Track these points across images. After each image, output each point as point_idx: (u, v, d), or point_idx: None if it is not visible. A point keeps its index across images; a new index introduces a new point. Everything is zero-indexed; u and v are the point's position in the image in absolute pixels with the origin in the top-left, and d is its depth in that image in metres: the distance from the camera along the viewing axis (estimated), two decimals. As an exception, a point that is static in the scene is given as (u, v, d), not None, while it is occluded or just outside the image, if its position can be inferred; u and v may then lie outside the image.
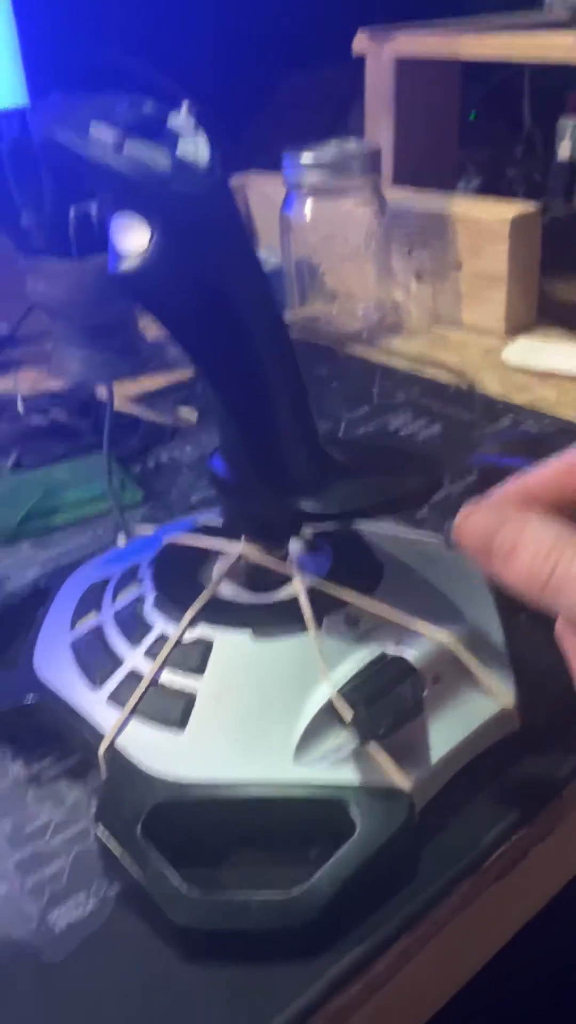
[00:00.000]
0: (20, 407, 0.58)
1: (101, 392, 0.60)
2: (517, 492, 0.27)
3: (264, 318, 0.29)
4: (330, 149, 0.70)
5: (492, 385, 0.63)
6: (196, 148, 0.30)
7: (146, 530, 0.43)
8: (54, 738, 0.34)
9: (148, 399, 0.63)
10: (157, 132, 0.30)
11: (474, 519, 0.25)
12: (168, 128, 0.31)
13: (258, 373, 0.29)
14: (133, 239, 0.29)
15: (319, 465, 0.31)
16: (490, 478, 0.49)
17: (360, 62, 0.83)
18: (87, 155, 0.29)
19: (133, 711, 0.31)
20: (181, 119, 0.31)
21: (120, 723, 0.30)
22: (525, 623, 0.38)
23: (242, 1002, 0.25)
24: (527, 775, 0.31)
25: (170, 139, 0.30)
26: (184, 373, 0.69)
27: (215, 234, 0.29)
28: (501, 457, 0.47)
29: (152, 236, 0.29)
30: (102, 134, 0.29)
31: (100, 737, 0.31)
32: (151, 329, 0.75)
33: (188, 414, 0.60)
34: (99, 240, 0.72)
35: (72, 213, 0.70)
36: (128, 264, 0.29)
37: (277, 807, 0.29)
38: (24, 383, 0.70)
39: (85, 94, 0.33)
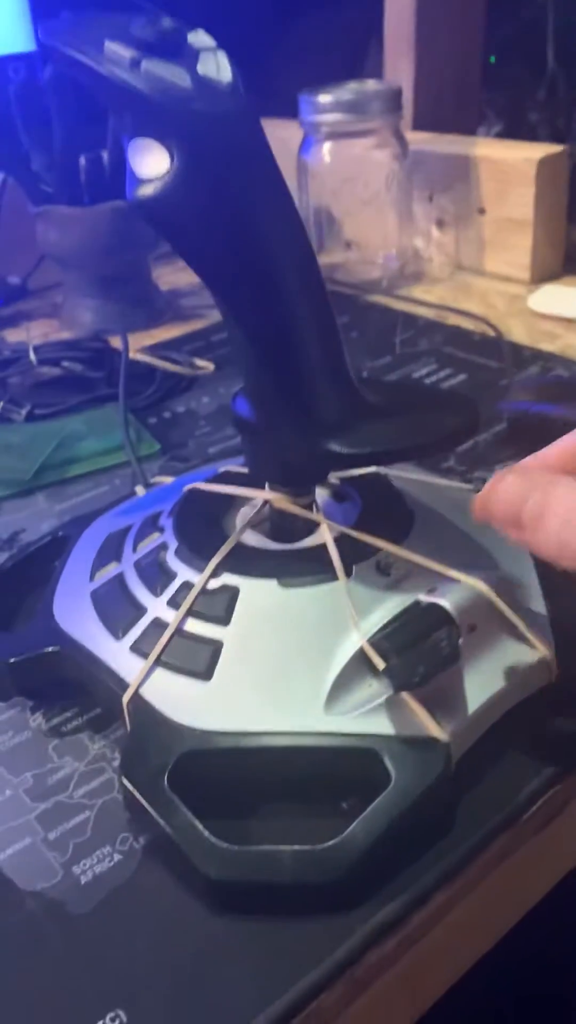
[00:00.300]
0: (33, 358, 0.56)
1: (115, 342, 0.58)
2: (539, 465, 0.26)
3: (291, 245, 0.27)
4: (348, 90, 0.67)
5: (518, 333, 0.61)
6: (217, 65, 0.28)
7: (165, 481, 0.42)
8: (76, 689, 0.33)
9: (163, 349, 0.61)
10: (176, 50, 0.28)
11: (501, 488, 0.24)
12: (188, 46, 0.29)
13: (285, 304, 0.28)
14: (152, 163, 0.27)
15: (350, 404, 0.29)
16: (520, 426, 0.47)
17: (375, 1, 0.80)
18: (103, 72, 0.27)
19: (158, 660, 0.30)
20: (201, 37, 0.29)
21: (145, 671, 0.29)
22: (561, 573, 0.37)
23: (275, 956, 0.24)
24: (565, 726, 0.30)
25: (189, 57, 0.28)
26: (199, 323, 0.68)
27: (239, 155, 0.27)
28: (532, 404, 0.45)
29: (172, 159, 0.27)
30: (118, 51, 0.27)
31: (124, 687, 0.30)
32: (165, 279, 0.74)
33: (204, 364, 0.59)
34: (111, 186, 0.69)
35: (83, 160, 0.68)
36: (147, 190, 0.27)
37: (308, 757, 0.28)
38: (36, 334, 0.68)
39: (97, 13, 0.31)
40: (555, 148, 0.67)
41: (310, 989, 0.23)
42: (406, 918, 0.25)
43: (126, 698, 0.29)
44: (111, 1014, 0.23)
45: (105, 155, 0.64)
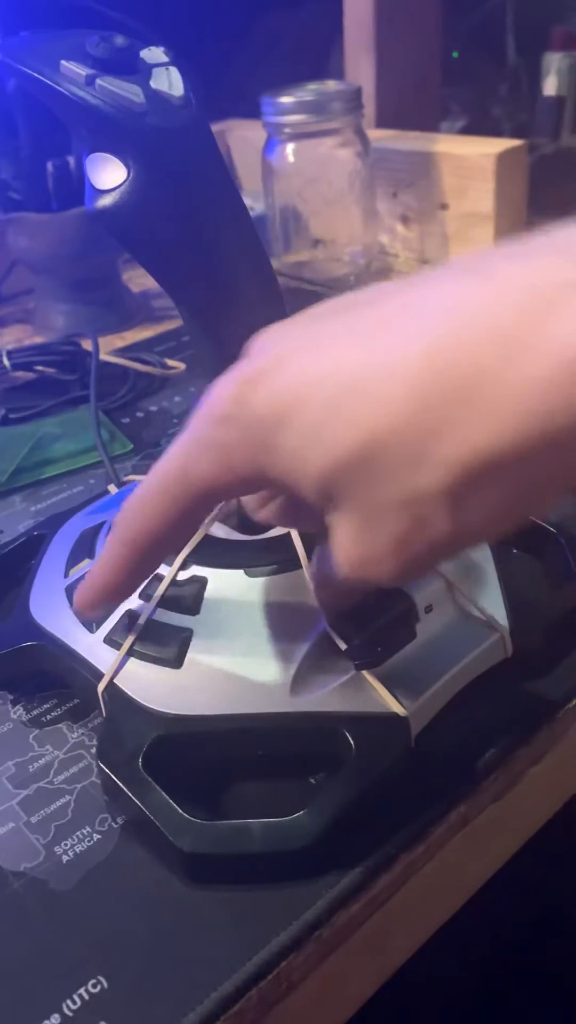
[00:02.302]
0: (6, 362, 0.57)
1: (88, 345, 0.59)
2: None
3: (244, 249, 0.29)
4: (309, 90, 0.69)
5: (481, 325, 0.62)
6: (169, 80, 0.30)
7: (137, 480, 0.43)
8: (54, 682, 0.34)
9: (135, 351, 0.62)
10: (129, 67, 0.30)
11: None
12: (141, 62, 0.30)
13: (241, 307, 0.29)
14: (109, 176, 0.29)
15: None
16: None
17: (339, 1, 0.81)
18: (60, 89, 0.28)
19: (131, 650, 0.31)
20: (153, 53, 0.31)
21: (118, 661, 0.31)
22: (516, 557, 0.38)
23: (247, 922, 0.26)
24: (521, 700, 0.32)
25: (143, 73, 0.30)
26: (170, 324, 0.69)
27: (192, 166, 0.28)
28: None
29: (128, 172, 0.28)
30: (73, 69, 0.28)
31: (99, 677, 0.31)
32: (136, 281, 0.75)
33: (176, 364, 0.60)
34: (78, 192, 0.70)
35: (50, 166, 0.69)
36: (105, 201, 0.29)
37: (275, 737, 0.29)
38: (9, 340, 0.69)
39: (55, 32, 0.32)
40: (514, 143, 0.68)
41: (280, 950, 0.25)
42: (371, 882, 0.27)
43: (101, 687, 0.31)
44: (92, 980, 0.24)
45: (72, 161, 0.65)
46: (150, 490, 0.24)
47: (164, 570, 0.32)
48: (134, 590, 0.27)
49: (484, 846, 0.31)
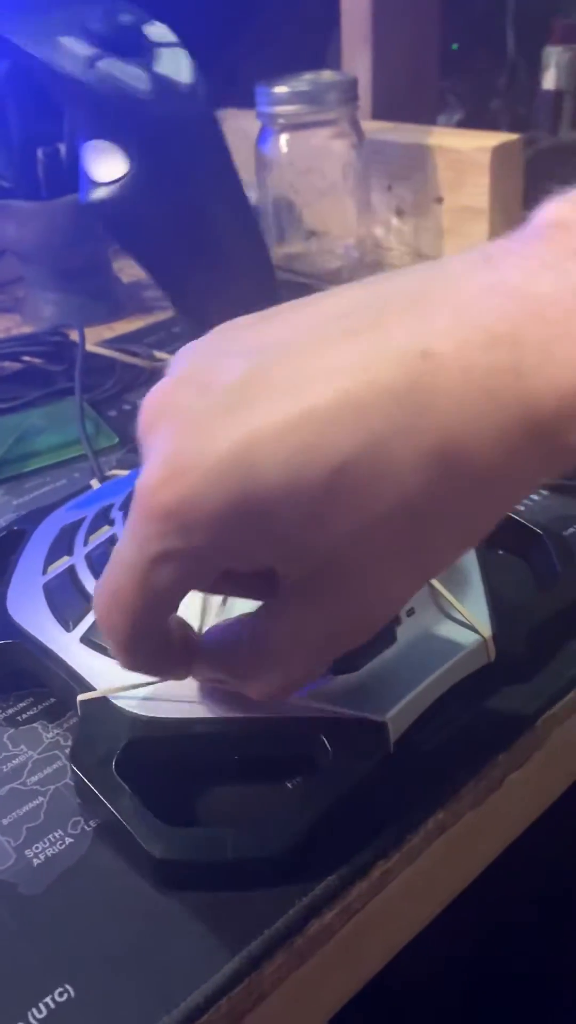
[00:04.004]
0: (-8, 352, 0.57)
1: (75, 335, 0.59)
2: None
3: (246, 244, 0.28)
4: (304, 80, 0.68)
5: (473, 322, 0.61)
6: (177, 63, 0.29)
7: (120, 474, 0.43)
8: (30, 680, 0.33)
9: (124, 342, 0.62)
10: (133, 46, 0.28)
11: None
12: (144, 39, 0.29)
13: (236, 303, 0.28)
14: (109, 166, 0.28)
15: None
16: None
17: (336, -11, 0.80)
18: (57, 67, 0.27)
19: (106, 651, 0.30)
20: (158, 29, 0.29)
21: (114, 689, 0.30)
22: (501, 558, 0.38)
23: (218, 929, 0.25)
24: (502, 705, 0.31)
25: (147, 53, 0.28)
26: (161, 315, 0.68)
27: (198, 161, 0.28)
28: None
29: (131, 165, 0.27)
30: (73, 48, 0.27)
31: (74, 676, 0.30)
32: (127, 271, 0.74)
33: (164, 356, 0.59)
34: (68, 179, 0.69)
35: (40, 154, 0.69)
36: (102, 193, 0.28)
37: (252, 741, 0.29)
38: (-3, 329, 0.68)
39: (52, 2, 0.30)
40: (509, 137, 0.68)
41: (251, 959, 0.24)
42: (346, 890, 0.26)
43: (82, 698, 0.30)
44: (59, 989, 0.24)
45: (62, 148, 0.64)
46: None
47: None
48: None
49: (463, 853, 0.31)
